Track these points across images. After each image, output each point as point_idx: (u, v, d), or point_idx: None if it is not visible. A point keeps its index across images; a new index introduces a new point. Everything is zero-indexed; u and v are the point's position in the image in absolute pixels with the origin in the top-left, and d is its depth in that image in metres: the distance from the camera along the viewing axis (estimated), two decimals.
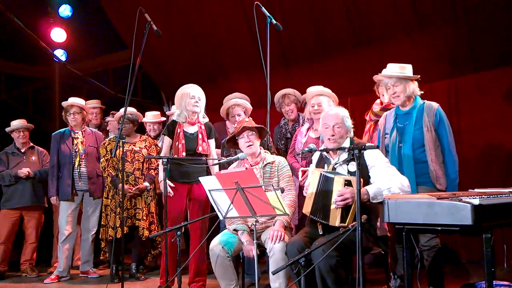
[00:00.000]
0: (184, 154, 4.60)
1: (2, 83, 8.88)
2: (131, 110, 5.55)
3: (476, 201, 2.68)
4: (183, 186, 4.66)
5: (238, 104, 5.06)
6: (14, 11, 7.27)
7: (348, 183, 3.37)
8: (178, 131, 4.69)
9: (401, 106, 4.02)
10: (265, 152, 4.16)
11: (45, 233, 6.48)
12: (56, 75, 8.95)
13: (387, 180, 3.41)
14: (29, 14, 7.87)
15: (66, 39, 8.55)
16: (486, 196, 2.86)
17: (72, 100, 5.77)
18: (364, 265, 4.13)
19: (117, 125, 5.49)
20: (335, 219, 3.38)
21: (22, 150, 6.21)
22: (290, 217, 3.87)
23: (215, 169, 4.76)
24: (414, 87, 3.96)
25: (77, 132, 5.74)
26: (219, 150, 5.15)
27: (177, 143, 4.66)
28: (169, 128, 4.75)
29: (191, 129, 4.74)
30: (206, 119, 4.85)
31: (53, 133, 5.84)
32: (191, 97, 4.68)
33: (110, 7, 8.10)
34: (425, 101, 3.99)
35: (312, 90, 4.77)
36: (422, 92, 4.04)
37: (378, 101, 4.97)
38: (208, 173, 4.73)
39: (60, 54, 8.57)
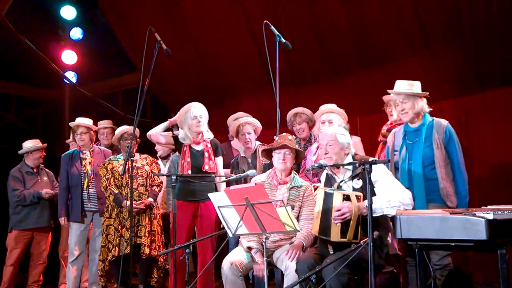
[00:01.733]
0: (189, 171, 4.57)
1: (12, 105, 8.95)
2: (127, 127, 5.53)
3: (490, 216, 2.65)
4: (190, 205, 4.63)
5: (248, 122, 5.06)
6: (26, 33, 7.38)
7: (346, 198, 3.35)
8: (185, 149, 4.69)
9: (410, 123, 4.01)
10: (295, 174, 4.13)
11: (51, 255, 6.44)
12: (66, 97, 9.06)
13: (388, 194, 3.38)
14: (41, 36, 7.99)
15: (77, 61, 8.68)
16: (500, 212, 2.81)
17: (79, 120, 5.79)
18: (377, 286, 4.07)
19: (125, 142, 5.44)
20: (336, 235, 3.37)
21: (35, 170, 6.21)
22: (307, 242, 3.83)
23: (223, 187, 4.72)
24: (422, 104, 3.96)
25: (85, 153, 5.74)
26: (228, 171, 5.14)
27: (182, 160, 4.66)
28: (177, 142, 4.77)
29: (198, 147, 4.74)
30: (211, 135, 4.84)
31: (62, 155, 5.85)
32: (192, 118, 4.69)
33: (120, 30, 8.22)
34: (434, 118, 3.98)
35: (324, 107, 4.78)
36: (431, 109, 4.03)
37: (389, 122, 4.98)
38: (216, 191, 4.69)
39: (71, 76, 8.68)
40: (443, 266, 3.75)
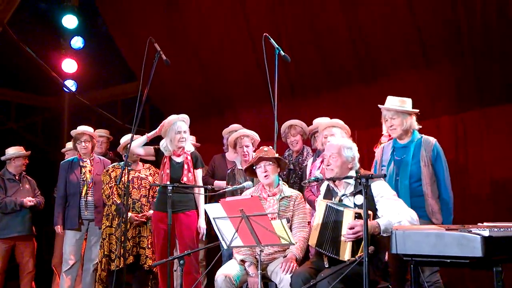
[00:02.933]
0: (168, 183, 4.56)
1: (12, 112, 8.96)
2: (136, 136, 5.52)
3: (486, 233, 2.63)
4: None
5: (246, 135, 5.06)
6: (27, 41, 7.42)
7: (358, 216, 3.31)
8: (165, 161, 4.72)
9: (399, 139, 4.04)
10: (283, 184, 4.12)
11: (43, 263, 6.38)
12: (65, 105, 9.07)
13: (396, 213, 3.36)
14: (42, 45, 8.03)
15: (77, 69, 8.70)
16: (496, 229, 2.80)
17: (83, 128, 5.79)
18: None
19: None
20: (345, 253, 3.31)
21: (17, 177, 6.17)
22: (301, 252, 3.81)
23: (202, 200, 4.74)
24: (411, 121, 3.97)
25: (86, 161, 5.72)
26: (223, 182, 5.13)
27: (162, 172, 4.68)
28: (158, 154, 4.79)
29: (178, 159, 4.76)
30: (192, 148, 4.85)
31: (61, 162, 5.83)
32: (176, 132, 4.70)
33: (121, 39, 8.26)
34: (423, 135, 4.00)
35: (321, 121, 4.78)
36: (421, 127, 4.05)
37: (386, 133, 4.97)
38: (195, 202, 4.75)
39: (71, 84, 8.70)
40: (432, 283, 3.74)
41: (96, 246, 5.59)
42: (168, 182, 4.57)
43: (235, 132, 5.28)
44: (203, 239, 4.74)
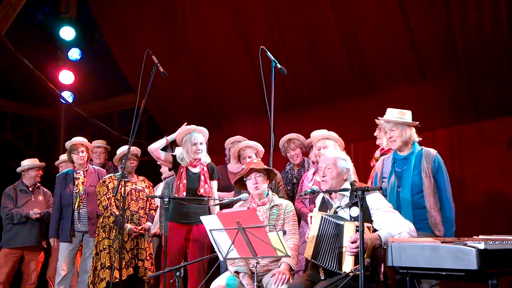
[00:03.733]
0: (184, 194, 4.56)
1: (8, 123, 8.95)
2: (133, 148, 5.52)
3: (481, 246, 2.64)
4: (182, 227, 4.60)
5: (249, 146, 5.07)
6: (25, 52, 7.43)
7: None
8: (181, 171, 4.68)
9: (399, 151, 4.04)
10: (272, 194, 4.13)
11: (40, 274, 6.36)
12: (61, 116, 9.09)
13: (396, 224, 3.37)
14: (39, 56, 8.05)
15: (74, 81, 8.72)
16: (491, 242, 2.81)
17: (79, 139, 5.80)
18: None
19: (128, 162, 5.44)
20: (348, 266, 3.27)
21: (31, 189, 6.20)
22: (295, 260, 3.81)
23: (217, 210, 4.69)
24: (411, 133, 3.98)
25: (79, 172, 5.71)
26: (225, 193, 5.13)
27: (178, 182, 4.64)
28: (175, 162, 4.75)
29: (194, 170, 4.73)
30: (208, 159, 4.84)
31: (57, 175, 5.84)
32: (193, 144, 4.68)
33: (118, 50, 8.29)
34: (423, 147, 4.01)
35: (318, 134, 4.80)
36: (421, 139, 4.06)
37: (381, 147, 5.00)
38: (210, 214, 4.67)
39: (67, 95, 8.71)
40: None
41: (90, 258, 5.56)
42: (185, 193, 4.55)
43: (238, 143, 5.32)
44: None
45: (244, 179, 4.07)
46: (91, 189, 5.63)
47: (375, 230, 3.41)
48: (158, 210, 5.68)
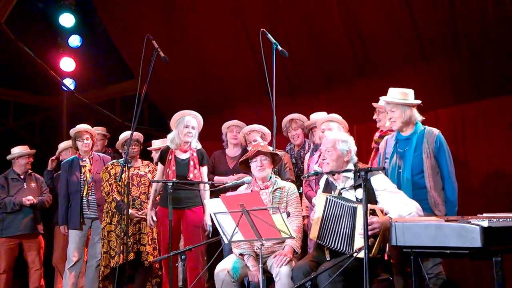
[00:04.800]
0: (175, 180, 4.54)
1: (10, 112, 8.96)
2: (135, 134, 5.52)
3: (485, 224, 2.65)
4: (175, 212, 4.60)
5: (254, 130, 5.08)
6: (25, 41, 7.41)
7: (372, 212, 3.29)
8: (170, 158, 4.70)
9: (401, 131, 4.03)
10: (275, 177, 4.14)
11: (46, 261, 6.40)
12: (64, 104, 9.08)
13: (404, 205, 3.38)
14: (39, 44, 8.03)
15: (75, 68, 8.71)
16: (495, 220, 2.82)
17: (83, 126, 5.80)
18: None
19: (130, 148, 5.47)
20: (363, 250, 3.25)
21: (22, 176, 6.20)
22: (299, 242, 3.83)
23: (207, 196, 4.73)
24: (411, 113, 3.95)
25: (85, 160, 5.72)
26: (224, 177, 5.15)
27: (167, 169, 4.67)
28: (162, 154, 4.78)
29: (183, 156, 4.75)
30: (199, 146, 4.85)
31: (62, 162, 5.85)
32: (185, 126, 4.71)
33: (118, 37, 8.25)
34: (426, 127, 3.99)
35: (318, 116, 4.80)
36: (424, 118, 4.04)
37: (380, 129, 5.00)
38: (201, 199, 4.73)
39: (69, 83, 8.70)
40: (435, 275, 3.75)
41: (99, 243, 5.61)
42: (174, 179, 4.56)
43: (232, 126, 5.42)
44: (210, 236, 4.75)
45: (250, 161, 4.08)
46: (98, 176, 5.65)
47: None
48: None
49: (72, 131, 5.80)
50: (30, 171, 6.30)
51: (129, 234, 5.26)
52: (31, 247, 6.09)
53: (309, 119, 5.22)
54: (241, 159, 4.23)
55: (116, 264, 5.15)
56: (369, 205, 3.37)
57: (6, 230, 6.00)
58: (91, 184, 5.64)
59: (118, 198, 5.28)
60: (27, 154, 6.22)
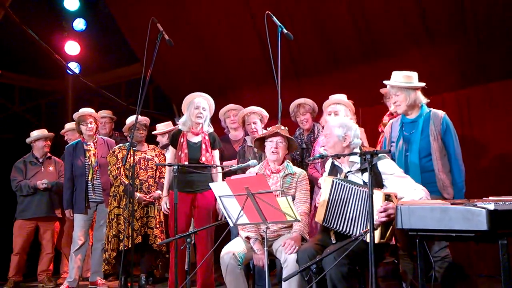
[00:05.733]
0: (186, 163, 4.57)
1: (16, 96, 8.97)
2: (140, 117, 5.53)
3: (491, 206, 2.64)
4: (187, 196, 4.64)
5: (253, 111, 5.08)
6: (30, 24, 7.38)
7: (388, 198, 3.25)
8: (182, 141, 4.69)
9: (406, 115, 4.01)
10: (288, 162, 4.13)
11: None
12: (69, 88, 9.07)
13: (412, 189, 3.38)
14: (44, 27, 7.98)
15: (80, 52, 8.69)
16: (501, 203, 2.80)
17: (87, 109, 5.80)
18: (378, 278, 4.08)
19: (137, 132, 5.51)
20: (376, 236, 3.22)
21: (40, 160, 6.25)
22: (306, 229, 3.83)
23: (219, 179, 4.72)
24: (416, 96, 3.92)
25: (89, 144, 5.73)
26: (231, 162, 5.16)
27: (180, 152, 4.66)
28: (174, 137, 4.77)
29: (195, 139, 4.74)
30: (211, 129, 4.84)
31: (66, 146, 5.87)
32: (195, 107, 4.69)
33: (123, 20, 8.22)
34: (432, 109, 3.96)
35: (333, 98, 4.79)
36: (429, 101, 4.00)
37: (388, 112, 4.97)
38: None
39: (74, 67, 8.69)
40: (441, 258, 3.76)
41: (104, 227, 5.65)
42: (186, 163, 4.57)
43: (228, 111, 5.48)
44: (223, 219, 4.77)
45: (266, 140, 4.06)
46: (102, 160, 5.67)
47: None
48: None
49: (75, 115, 5.81)
50: (49, 154, 6.34)
51: (137, 218, 5.30)
52: (47, 230, 6.15)
53: (316, 102, 5.19)
54: (260, 136, 4.21)
55: (125, 247, 5.19)
56: (384, 190, 3.37)
57: (23, 213, 6.08)
58: (96, 168, 5.66)
59: (126, 182, 5.30)
60: (43, 137, 6.26)
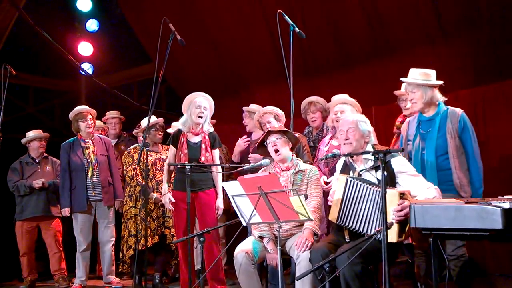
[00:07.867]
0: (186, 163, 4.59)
1: (30, 96, 9.05)
2: (154, 119, 5.55)
3: (506, 205, 2.62)
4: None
5: (267, 111, 5.07)
6: (43, 25, 7.44)
7: (402, 196, 3.23)
8: (182, 141, 4.71)
9: (422, 112, 3.97)
10: (297, 159, 4.13)
11: (67, 244, 6.48)
12: (82, 88, 9.13)
13: (426, 189, 3.36)
14: (57, 28, 8.04)
15: (93, 53, 8.74)
16: None
17: (84, 107, 5.84)
18: (391, 277, 4.05)
19: (156, 133, 5.54)
20: (393, 235, 3.20)
21: (37, 160, 6.24)
22: (317, 223, 3.83)
23: (219, 178, 4.73)
24: (433, 94, 3.88)
25: (88, 141, 5.74)
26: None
27: (180, 152, 4.68)
28: (174, 137, 4.78)
29: (195, 139, 4.75)
30: (211, 129, 4.85)
31: (62, 144, 5.81)
32: (196, 107, 4.69)
33: (135, 21, 8.26)
34: (449, 107, 3.92)
35: (336, 98, 4.76)
36: (446, 99, 3.97)
37: (402, 114, 4.96)
38: (213, 181, 4.76)
39: (87, 67, 8.74)
40: (457, 257, 3.72)
41: (108, 228, 5.66)
42: (186, 163, 4.59)
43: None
44: (218, 218, 4.79)
45: (265, 144, 4.08)
46: (101, 158, 5.68)
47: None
48: None
49: (72, 113, 5.79)
50: (45, 154, 6.34)
51: (154, 218, 5.33)
52: (47, 230, 6.11)
53: (328, 101, 5.17)
54: (257, 143, 4.23)
55: (143, 247, 5.21)
56: (399, 189, 3.35)
57: (22, 213, 6.06)
58: (95, 166, 5.67)
59: (143, 182, 5.30)
60: (38, 138, 6.23)
